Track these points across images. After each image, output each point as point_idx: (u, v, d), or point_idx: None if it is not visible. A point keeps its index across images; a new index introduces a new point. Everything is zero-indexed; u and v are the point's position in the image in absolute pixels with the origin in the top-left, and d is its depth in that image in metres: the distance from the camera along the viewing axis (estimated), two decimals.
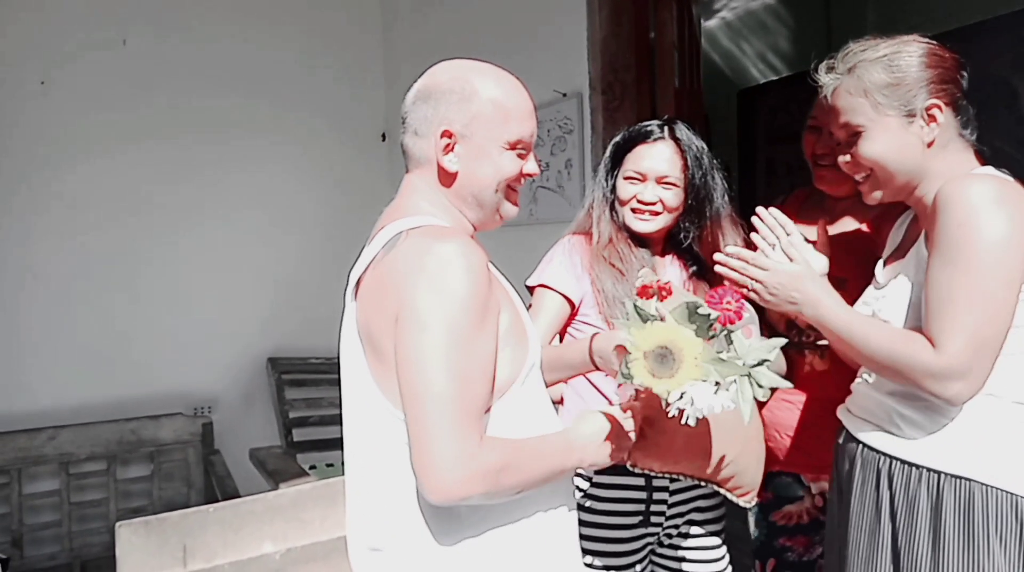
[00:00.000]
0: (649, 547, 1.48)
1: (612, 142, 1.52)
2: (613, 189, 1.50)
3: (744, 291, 1.25)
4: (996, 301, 1.06)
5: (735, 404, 1.02)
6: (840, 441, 1.31)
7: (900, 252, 1.27)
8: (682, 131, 1.47)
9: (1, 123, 2.93)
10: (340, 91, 3.57)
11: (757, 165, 4.96)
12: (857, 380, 1.30)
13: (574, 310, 1.48)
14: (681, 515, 1.47)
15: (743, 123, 5.43)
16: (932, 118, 1.15)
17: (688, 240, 1.51)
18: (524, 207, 2.57)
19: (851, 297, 1.36)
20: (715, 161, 1.48)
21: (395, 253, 0.99)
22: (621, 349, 1.17)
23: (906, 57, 1.16)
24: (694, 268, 1.53)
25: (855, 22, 4.72)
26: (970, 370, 1.05)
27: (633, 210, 1.46)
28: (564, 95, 2.33)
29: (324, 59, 3.52)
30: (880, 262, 1.32)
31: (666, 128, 1.47)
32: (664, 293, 1.13)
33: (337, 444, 3.22)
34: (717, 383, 1.02)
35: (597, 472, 1.43)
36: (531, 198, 2.55)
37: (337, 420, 3.71)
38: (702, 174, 1.46)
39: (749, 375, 1.03)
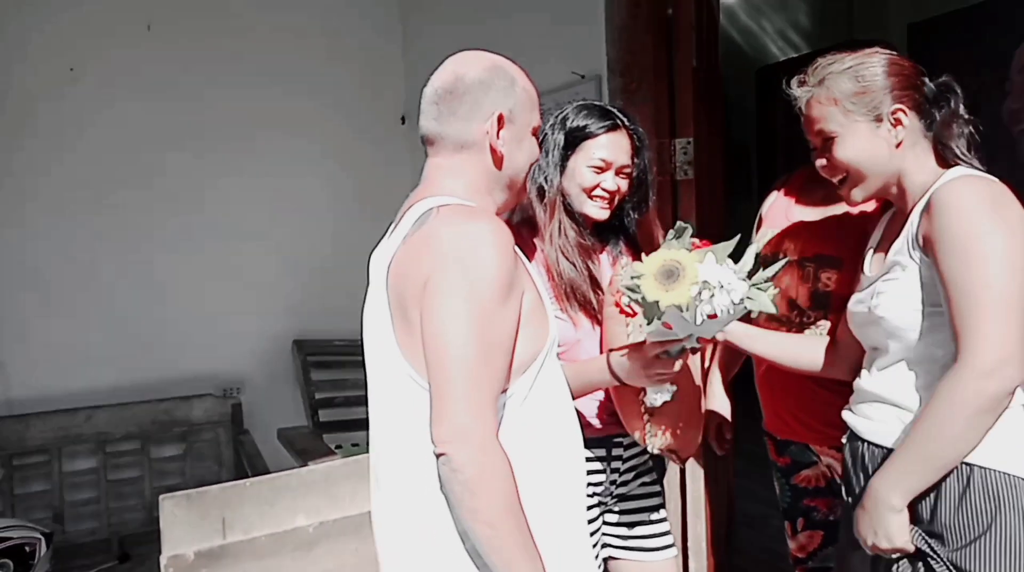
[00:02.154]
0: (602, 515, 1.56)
1: (564, 129, 1.47)
2: (571, 172, 1.47)
3: None
4: (1005, 286, 1.08)
5: (753, 299, 1.15)
6: (844, 440, 1.35)
7: (884, 246, 1.31)
8: (631, 119, 1.50)
9: (33, 110, 3.00)
10: (360, 75, 3.60)
11: (776, 144, 4.93)
12: (859, 377, 1.33)
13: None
14: (627, 483, 1.56)
15: (761, 102, 5.39)
16: (898, 121, 1.24)
17: (631, 226, 1.56)
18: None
19: (846, 278, 1.40)
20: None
21: (427, 227, 1.04)
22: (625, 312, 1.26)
23: (871, 67, 1.25)
24: (625, 251, 1.56)
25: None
26: (1004, 362, 1.07)
27: (592, 197, 1.46)
28: (583, 77, 2.34)
29: (345, 43, 3.55)
30: (869, 256, 1.35)
31: (622, 117, 1.48)
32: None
33: (362, 425, 3.26)
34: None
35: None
36: None
37: (362, 401, 3.77)
38: (646, 163, 1.52)
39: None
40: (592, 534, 1.49)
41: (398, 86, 3.69)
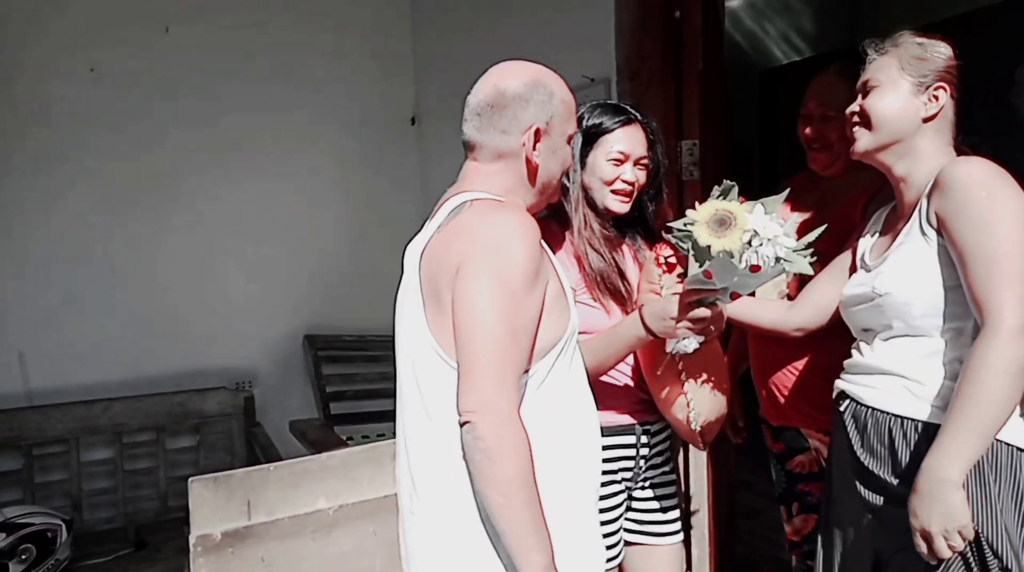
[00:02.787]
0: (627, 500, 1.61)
1: (581, 128, 1.50)
2: (592, 166, 1.53)
3: None
4: (1018, 254, 1.16)
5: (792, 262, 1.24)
6: (842, 409, 1.42)
7: (887, 237, 1.39)
8: (643, 113, 1.58)
9: (53, 108, 3.07)
10: (372, 77, 3.67)
11: (779, 146, 5.00)
12: (854, 354, 1.41)
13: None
14: (653, 467, 1.62)
15: (765, 104, 5.46)
16: (935, 98, 1.32)
17: (651, 219, 1.62)
18: None
19: (823, 267, 1.51)
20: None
21: (460, 218, 1.12)
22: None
23: (938, 47, 1.35)
24: (644, 245, 1.62)
25: (879, 3, 4.73)
26: None
27: (614, 191, 1.52)
28: (592, 80, 2.41)
29: (356, 45, 3.62)
30: (865, 250, 1.44)
31: (634, 112, 1.55)
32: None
33: (372, 418, 3.38)
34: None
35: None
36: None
37: (371, 395, 3.88)
38: (660, 155, 1.59)
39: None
40: (615, 520, 1.56)
41: (408, 88, 3.77)
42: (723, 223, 1.23)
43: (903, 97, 1.32)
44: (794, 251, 1.26)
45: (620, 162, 1.52)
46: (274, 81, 3.42)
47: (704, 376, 1.47)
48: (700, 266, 1.26)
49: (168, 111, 3.23)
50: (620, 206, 1.53)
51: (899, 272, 1.30)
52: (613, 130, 1.52)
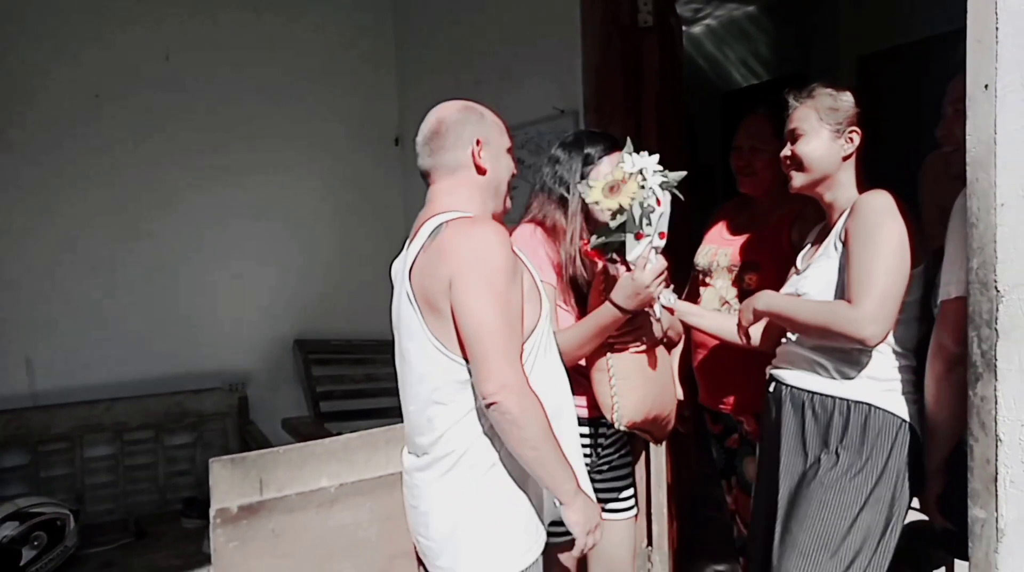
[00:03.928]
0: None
1: (581, 152, 1.76)
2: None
3: None
4: (897, 273, 1.50)
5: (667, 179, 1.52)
6: (771, 390, 1.73)
7: (815, 248, 1.71)
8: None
9: (60, 133, 3.29)
10: (357, 100, 3.95)
11: None
12: (783, 342, 1.72)
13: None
14: (609, 456, 1.87)
15: (727, 123, 5.81)
16: (851, 139, 1.64)
17: None
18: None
19: (764, 277, 1.82)
20: None
21: (440, 239, 1.37)
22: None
23: (845, 97, 1.67)
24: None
25: (829, 30, 5.10)
26: (879, 316, 1.48)
27: None
28: (562, 112, 2.71)
29: (342, 71, 3.89)
30: (800, 256, 1.76)
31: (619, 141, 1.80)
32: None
33: (360, 415, 3.61)
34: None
35: None
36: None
37: (358, 394, 4.12)
38: None
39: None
40: None
41: (392, 111, 4.05)
42: (614, 189, 1.49)
43: (825, 142, 1.64)
44: (667, 172, 1.53)
45: None
46: (265, 107, 3.67)
47: (630, 381, 1.67)
48: (621, 233, 1.51)
49: (169, 133, 3.47)
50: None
51: (815, 278, 1.63)
52: (609, 155, 1.75)
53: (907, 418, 1.55)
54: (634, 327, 1.67)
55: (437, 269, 1.35)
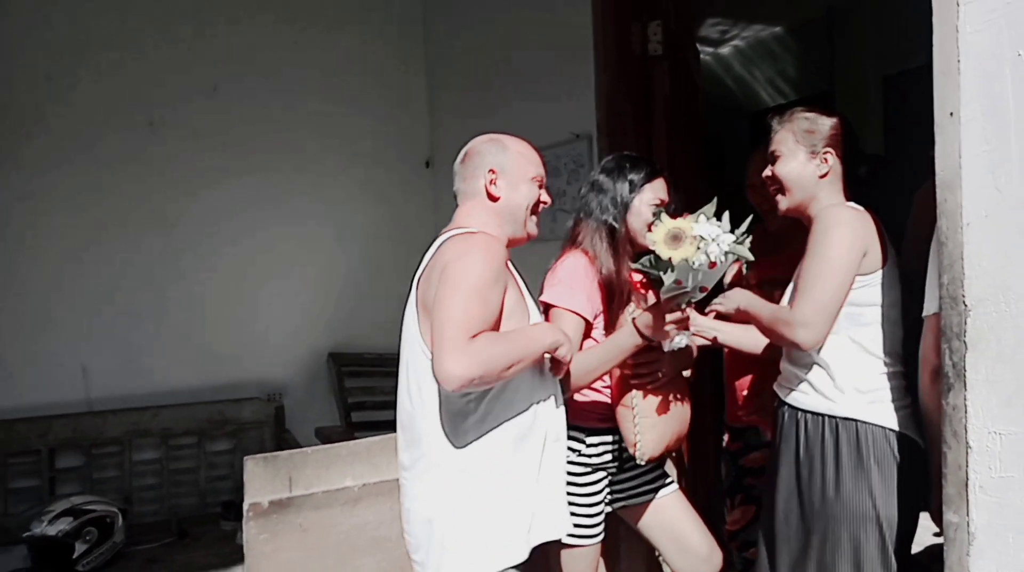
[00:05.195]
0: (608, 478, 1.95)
1: (625, 178, 1.84)
2: (630, 210, 1.83)
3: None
4: (836, 280, 1.59)
5: (733, 250, 1.55)
6: (775, 405, 1.81)
7: None
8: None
9: (117, 158, 3.56)
10: (390, 124, 4.16)
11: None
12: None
13: (589, 325, 1.83)
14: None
15: (756, 143, 5.85)
16: (825, 159, 1.71)
17: None
18: (546, 226, 3.09)
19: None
20: None
21: (442, 248, 1.52)
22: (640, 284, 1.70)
23: (822, 119, 1.74)
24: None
25: (855, 50, 5.14)
26: (812, 321, 1.58)
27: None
28: (577, 136, 2.85)
29: (376, 98, 4.11)
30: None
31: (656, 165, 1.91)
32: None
33: (389, 426, 3.73)
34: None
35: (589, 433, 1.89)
36: (552, 218, 3.07)
37: (388, 405, 4.25)
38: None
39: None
40: (599, 500, 1.90)
41: (423, 135, 4.25)
42: (676, 238, 1.53)
43: (801, 163, 1.72)
44: (734, 242, 1.58)
45: (658, 206, 1.81)
46: (306, 132, 3.92)
47: (651, 419, 1.77)
48: (668, 275, 1.56)
49: (216, 157, 3.72)
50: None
51: (790, 296, 1.71)
52: (652, 180, 1.85)
53: (896, 427, 1.60)
54: (651, 359, 1.75)
55: (431, 276, 1.48)
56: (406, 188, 4.16)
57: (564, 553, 1.87)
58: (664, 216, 1.60)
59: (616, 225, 1.83)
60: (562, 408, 1.66)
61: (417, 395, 1.53)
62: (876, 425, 1.60)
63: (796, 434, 1.68)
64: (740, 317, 1.79)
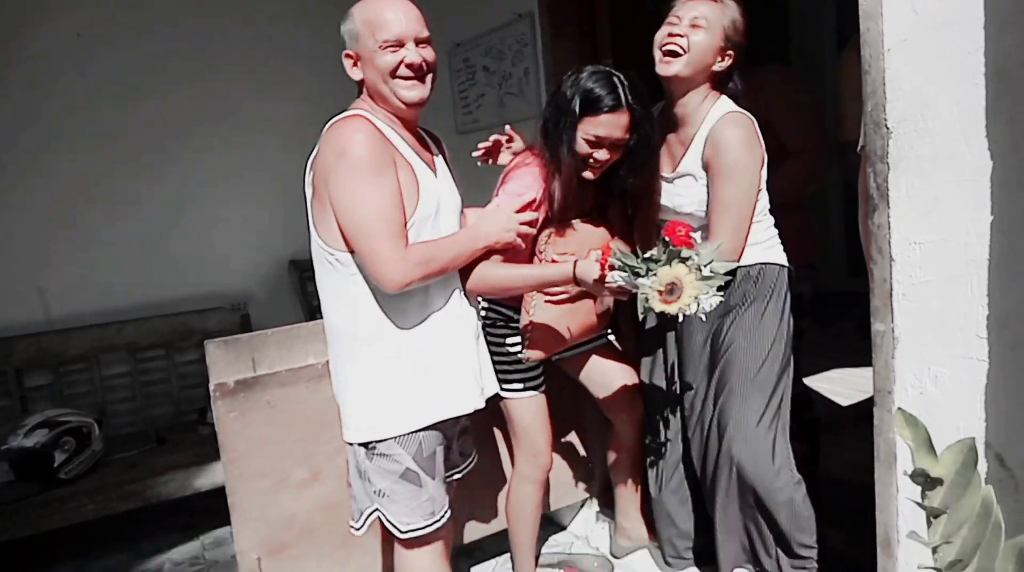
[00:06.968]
0: None
1: (574, 97, 1.72)
2: (572, 139, 1.76)
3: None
4: (748, 202, 1.78)
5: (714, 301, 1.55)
6: None
7: (670, 157, 1.94)
8: (636, 95, 1.74)
9: (46, 70, 3.40)
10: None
11: None
12: None
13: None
14: None
15: None
16: (726, 57, 1.84)
17: (617, 186, 1.89)
18: (494, 110, 3.06)
19: None
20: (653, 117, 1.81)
21: (325, 135, 1.55)
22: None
23: (741, 22, 1.85)
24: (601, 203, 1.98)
25: None
26: (737, 246, 1.81)
27: (587, 165, 1.79)
28: (520, 16, 2.79)
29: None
30: (669, 166, 1.95)
31: (623, 98, 1.72)
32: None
33: None
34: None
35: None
36: (499, 103, 3.04)
37: None
38: (645, 133, 1.79)
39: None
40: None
41: None
42: (673, 292, 1.50)
43: (711, 45, 1.82)
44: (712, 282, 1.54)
45: (595, 144, 1.76)
46: (264, 48, 3.78)
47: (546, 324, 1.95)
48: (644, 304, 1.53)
49: (169, 72, 3.61)
50: (588, 175, 1.83)
51: (689, 197, 1.87)
52: (598, 114, 1.73)
53: (785, 263, 1.89)
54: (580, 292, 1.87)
55: (318, 160, 1.53)
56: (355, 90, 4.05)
57: (511, 404, 2.10)
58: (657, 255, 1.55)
59: (561, 145, 1.79)
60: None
61: (318, 272, 1.66)
62: (771, 263, 1.88)
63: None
64: None
